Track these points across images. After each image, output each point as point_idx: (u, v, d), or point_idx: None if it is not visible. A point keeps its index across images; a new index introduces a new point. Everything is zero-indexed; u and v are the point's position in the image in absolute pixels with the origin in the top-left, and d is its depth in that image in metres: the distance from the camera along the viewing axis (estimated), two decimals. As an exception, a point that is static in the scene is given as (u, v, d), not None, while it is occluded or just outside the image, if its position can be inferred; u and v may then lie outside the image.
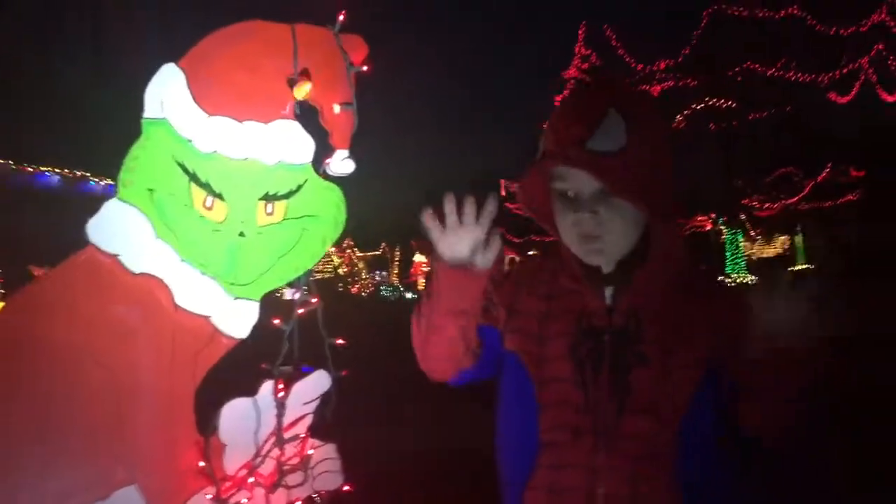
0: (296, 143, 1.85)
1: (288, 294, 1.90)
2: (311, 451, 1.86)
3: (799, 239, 34.14)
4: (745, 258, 27.65)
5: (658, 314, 1.51)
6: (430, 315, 1.53)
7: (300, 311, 1.89)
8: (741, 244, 27.50)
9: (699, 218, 27.45)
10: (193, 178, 1.77)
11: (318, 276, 2.02)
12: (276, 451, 1.81)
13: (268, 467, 1.81)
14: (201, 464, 1.73)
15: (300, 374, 1.86)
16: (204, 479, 1.75)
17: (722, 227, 27.01)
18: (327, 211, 1.91)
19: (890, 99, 22.25)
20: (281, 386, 1.82)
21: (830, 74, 22.17)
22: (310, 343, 1.89)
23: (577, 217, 1.48)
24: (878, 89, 22.10)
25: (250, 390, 1.81)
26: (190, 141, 1.77)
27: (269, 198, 1.82)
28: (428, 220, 1.48)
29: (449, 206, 1.46)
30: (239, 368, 1.85)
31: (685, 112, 23.88)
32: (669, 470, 1.47)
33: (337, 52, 1.92)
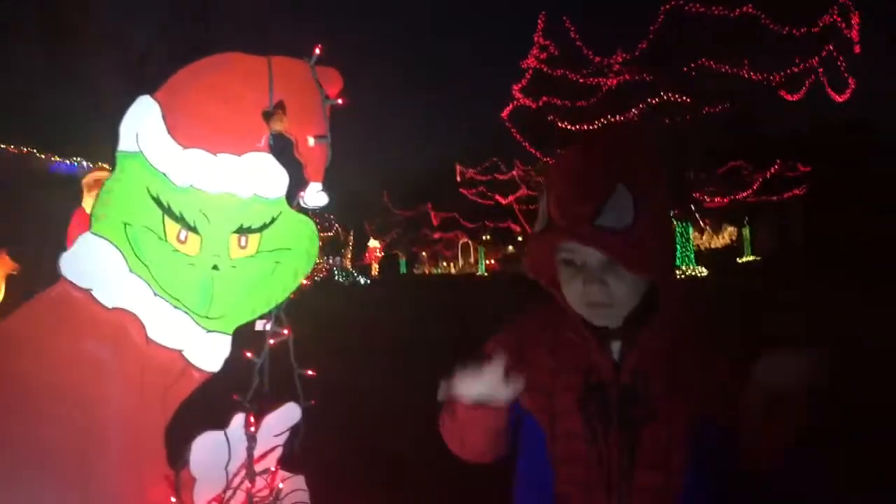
0: (270, 175, 1.86)
1: (259, 325, 1.91)
2: (280, 485, 1.88)
3: (746, 231, 34.88)
4: (695, 249, 28.12)
5: (662, 370, 1.54)
6: (460, 432, 1.55)
7: (271, 342, 1.91)
8: (691, 236, 27.95)
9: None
10: (168, 211, 1.77)
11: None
12: (246, 484, 1.83)
13: (238, 500, 1.83)
14: (172, 500, 1.74)
15: (270, 405, 1.87)
16: (174, 513, 1.76)
17: (672, 220, 27.37)
18: (300, 244, 1.92)
19: (839, 99, 22.76)
20: (252, 419, 1.83)
21: (782, 73, 22.57)
22: (281, 373, 1.91)
23: (586, 289, 1.50)
24: (828, 90, 22.58)
25: (221, 423, 1.82)
26: (165, 174, 1.77)
27: (243, 231, 1.83)
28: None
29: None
30: (210, 401, 1.85)
31: (640, 106, 24.11)
32: None
33: (312, 85, 1.93)
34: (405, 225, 43.36)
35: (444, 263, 58.33)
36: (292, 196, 1.91)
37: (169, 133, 1.78)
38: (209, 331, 1.82)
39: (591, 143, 1.70)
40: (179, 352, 1.79)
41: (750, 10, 22.18)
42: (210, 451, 1.79)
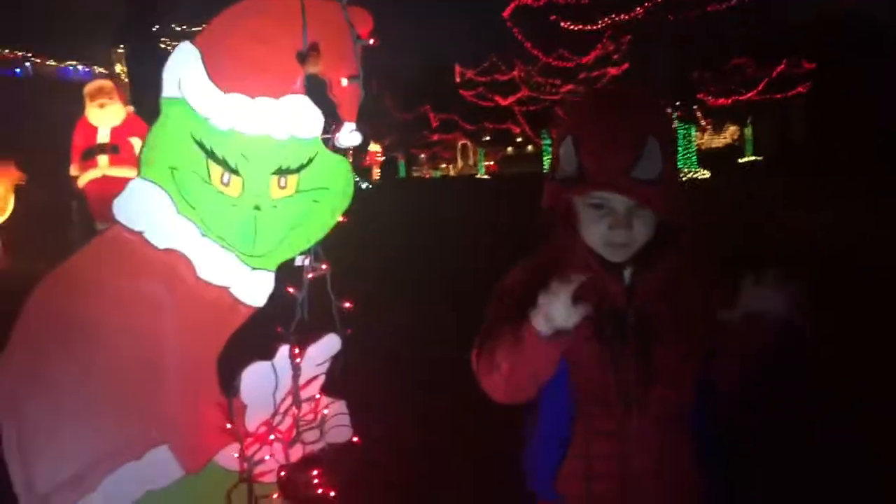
0: (306, 117, 1.91)
1: (298, 261, 2.01)
2: (325, 410, 2.02)
3: (748, 130, 34.59)
4: (696, 150, 28.03)
5: (670, 295, 1.69)
6: (533, 367, 1.60)
7: (310, 276, 2.01)
8: (693, 138, 27.82)
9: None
10: (211, 155, 1.84)
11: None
12: (293, 410, 1.96)
13: (285, 424, 1.97)
14: (228, 426, 1.88)
15: (313, 336, 1.99)
16: (228, 437, 1.91)
17: (674, 121, 27.21)
18: (336, 183, 2.00)
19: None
20: (297, 350, 1.95)
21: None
22: (320, 306, 2.02)
23: (612, 231, 1.61)
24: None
25: (268, 354, 1.94)
26: (207, 119, 1.83)
27: (282, 172, 1.90)
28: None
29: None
30: (257, 334, 1.97)
31: (646, 3, 23.63)
32: (688, 427, 1.72)
33: (344, 26, 1.96)
34: (404, 127, 43.03)
35: (444, 165, 58.09)
36: (327, 136, 1.98)
37: (210, 78, 1.83)
38: (254, 268, 1.92)
39: (616, 97, 1.78)
40: (227, 288, 1.90)
41: None
42: (258, 381, 1.91)
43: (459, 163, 55.74)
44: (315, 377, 2.01)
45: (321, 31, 1.92)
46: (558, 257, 1.71)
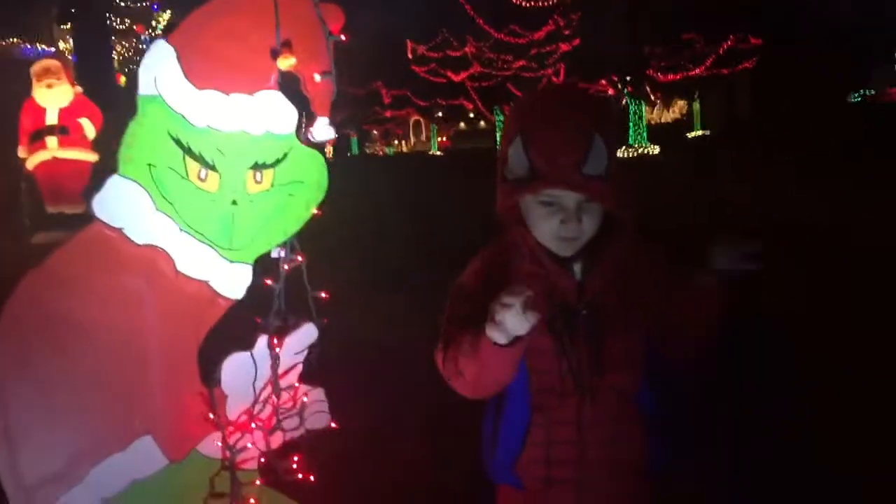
0: (280, 113, 1.96)
1: (274, 253, 2.06)
2: (304, 398, 2.08)
3: (697, 105, 35.06)
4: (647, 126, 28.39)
5: (619, 285, 1.77)
6: (492, 374, 1.65)
7: (286, 268, 2.06)
8: (644, 114, 28.14)
9: (602, 83, 27.89)
10: (188, 151, 1.88)
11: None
12: (273, 398, 2.02)
13: (266, 412, 2.02)
14: (210, 415, 1.93)
15: (290, 326, 2.05)
16: (210, 426, 1.96)
17: (625, 97, 27.53)
18: (311, 176, 2.05)
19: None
20: (275, 340, 2.00)
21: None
22: (296, 296, 2.07)
23: (563, 226, 1.68)
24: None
25: (247, 345, 1.99)
26: (183, 115, 1.86)
27: (258, 167, 1.94)
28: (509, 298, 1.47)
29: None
30: (236, 325, 2.03)
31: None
32: (637, 409, 1.81)
33: (317, 22, 2.00)
34: (356, 103, 42.68)
35: (396, 142, 57.81)
36: (301, 131, 2.02)
37: (185, 76, 1.86)
38: (232, 261, 1.97)
39: (560, 95, 1.89)
40: (206, 282, 1.94)
41: None
42: (238, 371, 1.97)
43: (412, 139, 55.60)
44: (294, 366, 2.07)
45: (294, 28, 1.96)
46: (510, 252, 1.79)
